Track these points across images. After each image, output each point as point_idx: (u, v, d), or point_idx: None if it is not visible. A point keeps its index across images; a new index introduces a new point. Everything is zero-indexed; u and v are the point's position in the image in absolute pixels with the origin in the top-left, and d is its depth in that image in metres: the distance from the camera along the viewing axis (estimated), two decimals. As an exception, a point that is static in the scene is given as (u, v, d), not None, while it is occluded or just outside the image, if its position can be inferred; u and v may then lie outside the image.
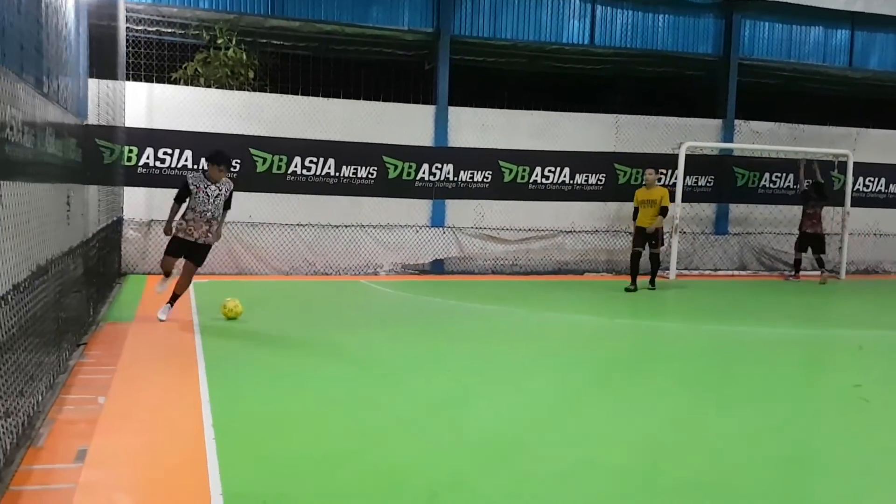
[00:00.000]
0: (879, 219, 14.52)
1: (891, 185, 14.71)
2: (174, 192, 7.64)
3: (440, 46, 12.63)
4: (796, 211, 14.02)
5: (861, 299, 11.27)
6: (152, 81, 11.63)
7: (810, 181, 13.36)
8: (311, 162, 12.04)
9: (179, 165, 11.10)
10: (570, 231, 13.36)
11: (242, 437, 4.09)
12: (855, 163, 13.66)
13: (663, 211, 10.81)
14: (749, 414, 4.81)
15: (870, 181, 14.58)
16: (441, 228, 12.81)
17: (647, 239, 10.91)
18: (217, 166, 7.46)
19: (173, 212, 7.56)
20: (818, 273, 12.94)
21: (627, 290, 10.80)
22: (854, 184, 13.96)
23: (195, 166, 10.82)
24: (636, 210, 11.17)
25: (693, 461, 3.90)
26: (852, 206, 13.51)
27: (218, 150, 7.81)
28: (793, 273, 13.40)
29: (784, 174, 14.18)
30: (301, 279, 11.66)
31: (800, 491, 3.51)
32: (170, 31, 12.30)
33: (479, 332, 7.60)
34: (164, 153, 11.10)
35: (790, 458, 3.95)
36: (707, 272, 13.57)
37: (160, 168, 11.10)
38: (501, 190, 13.04)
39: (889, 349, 7.18)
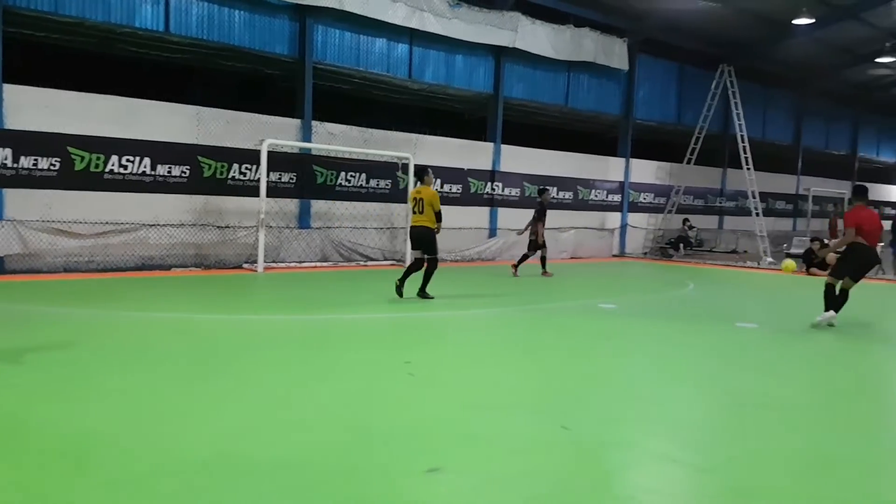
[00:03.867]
0: (455, 216, 16.79)
1: (453, 187, 17.23)
2: None
3: (-10, 14, 11.00)
4: (369, 207, 15.66)
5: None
6: None
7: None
8: None
9: None
10: (155, 224, 12.82)
11: None
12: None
13: (438, 216, 10.09)
14: (327, 391, 5.27)
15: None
16: (-2, 222, 11.21)
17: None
18: None
19: None
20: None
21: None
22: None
23: None
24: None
25: (279, 442, 4.11)
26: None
27: None
28: (515, 270, 14.19)
29: (358, 174, 15.65)
30: None
31: (366, 459, 3.92)
32: None
33: (50, 338, 6.81)
34: None
35: (358, 428, 4.41)
36: (293, 264, 14.25)
37: None
38: (72, 179, 11.95)
39: (430, 326, 8.54)
